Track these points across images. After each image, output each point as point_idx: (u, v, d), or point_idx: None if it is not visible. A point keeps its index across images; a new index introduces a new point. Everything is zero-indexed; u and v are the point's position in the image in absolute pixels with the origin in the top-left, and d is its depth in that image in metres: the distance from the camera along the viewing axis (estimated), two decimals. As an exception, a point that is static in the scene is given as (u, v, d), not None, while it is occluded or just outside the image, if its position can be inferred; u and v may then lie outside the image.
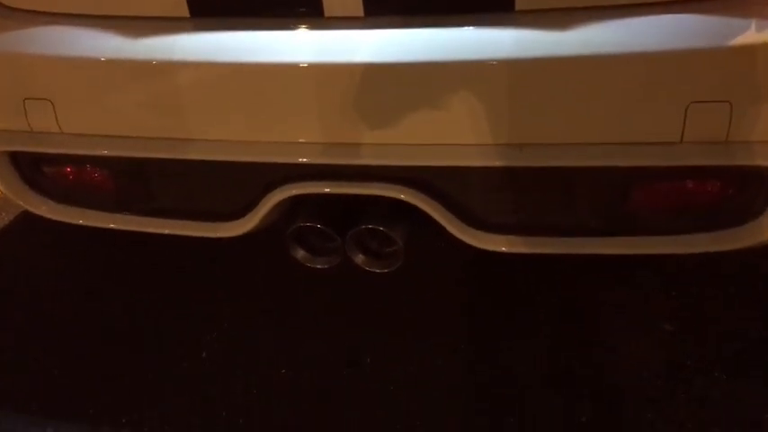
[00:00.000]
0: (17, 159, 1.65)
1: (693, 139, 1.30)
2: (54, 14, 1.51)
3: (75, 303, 2.06)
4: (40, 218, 1.73)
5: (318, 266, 1.65)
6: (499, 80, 1.32)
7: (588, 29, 1.29)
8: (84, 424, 1.69)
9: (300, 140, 1.44)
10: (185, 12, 1.44)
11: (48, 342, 1.93)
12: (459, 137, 1.38)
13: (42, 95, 1.50)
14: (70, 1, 1.51)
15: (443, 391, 1.68)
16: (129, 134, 1.52)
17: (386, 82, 1.36)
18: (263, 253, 2.09)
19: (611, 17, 1.29)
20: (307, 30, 1.40)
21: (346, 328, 1.88)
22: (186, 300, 2.03)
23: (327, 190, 1.49)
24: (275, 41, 1.40)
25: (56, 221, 1.73)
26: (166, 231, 1.66)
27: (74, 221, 1.71)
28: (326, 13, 1.39)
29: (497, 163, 1.38)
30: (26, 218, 2.35)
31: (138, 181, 1.63)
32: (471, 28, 1.34)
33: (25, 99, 1.52)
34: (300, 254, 1.64)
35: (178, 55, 1.42)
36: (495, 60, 1.30)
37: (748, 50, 1.24)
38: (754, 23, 1.24)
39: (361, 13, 1.38)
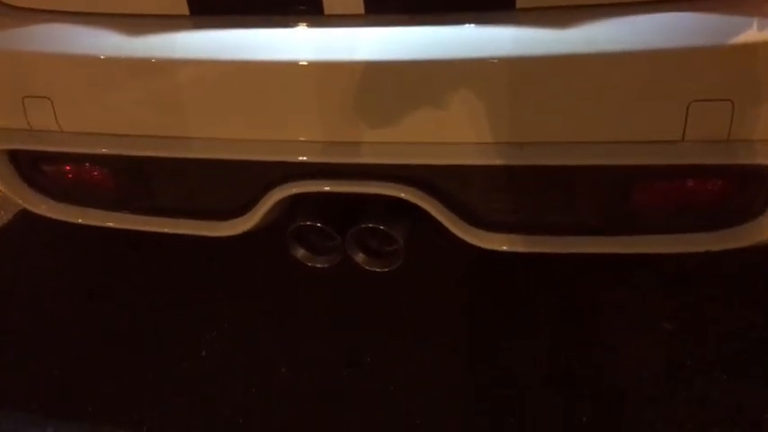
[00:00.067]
0: (16, 158, 1.65)
1: (695, 137, 1.29)
2: (53, 12, 1.51)
3: (75, 303, 2.06)
4: (40, 216, 1.73)
5: (318, 265, 1.64)
6: (500, 78, 1.32)
7: (589, 27, 1.29)
8: (84, 424, 1.69)
9: (300, 139, 1.44)
10: (185, 9, 1.44)
11: (48, 342, 1.93)
12: (459, 135, 1.37)
13: (42, 93, 1.50)
14: (70, -1, 1.51)
15: (443, 391, 1.68)
16: (128, 132, 1.51)
17: (386, 80, 1.36)
18: (263, 252, 2.09)
19: (612, 15, 1.29)
20: (307, 27, 1.40)
21: (346, 328, 1.88)
22: (186, 300, 2.03)
23: (327, 188, 1.49)
24: (275, 39, 1.40)
25: (55, 220, 1.72)
26: (166, 230, 1.66)
27: (73, 220, 1.71)
28: (327, 11, 1.38)
29: (498, 162, 1.38)
30: (25, 216, 2.34)
31: (138, 179, 1.63)
32: (472, 26, 1.34)
33: (24, 97, 1.51)
34: (300, 253, 1.63)
35: (178, 53, 1.42)
36: (496, 58, 1.30)
37: (750, 49, 1.23)
38: (755, 22, 1.24)
39: (361, 10, 1.37)
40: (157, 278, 2.12)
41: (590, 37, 1.29)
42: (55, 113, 1.51)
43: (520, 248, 1.51)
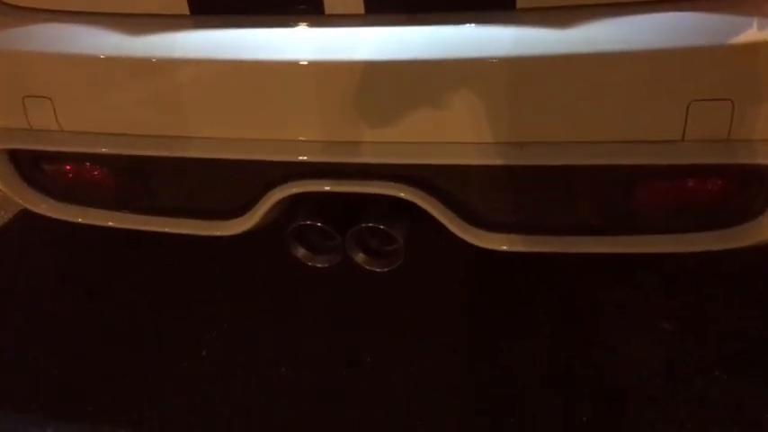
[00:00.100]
0: (17, 157, 1.65)
1: (695, 137, 1.29)
2: (53, 12, 1.51)
3: (75, 303, 2.06)
4: (40, 216, 1.73)
5: (318, 265, 1.64)
6: (500, 78, 1.32)
7: (589, 27, 1.29)
8: (84, 423, 1.69)
9: (300, 138, 1.44)
10: (185, 9, 1.44)
11: (48, 342, 1.93)
12: (459, 135, 1.37)
13: (42, 93, 1.50)
14: (70, -2, 1.51)
15: (443, 391, 1.68)
16: (128, 132, 1.51)
17: (386, 80, 1.36)
18: (263, 252, 2.09)
19: (612, 15, 1.29)
20: (307, 27, 1.40)
21: (346, 328, 1.88)
22: (186, 299, 2.03)
23: (328, 188, 1.49)
24: (275, 39, 1.40)
25: (55, 220, 1.72)
26: (166, 230, 1.66)
27: (73, 220, 1.71)
28: (327, 11, 1.38)
29: (498, 161, 1.38)
30: (26, 216, 2.35)
31: (138, 179, 1.63)
32: (472, 26, 1.34)
33: (25, 97, 1.51)
34: (301, 252, 1.63)
35: (178, 52, 1.42)
36: (496, 58, 1.30)
37: (750, 49, 1.23)
38: (755, 22, 1.24)
39: (361, 10, 1.37)
40: (157, 278, 2.12)
41: (590, 37, 1.29)
42: (55, 113, 1.51)
43: (520, 248, 1.51)
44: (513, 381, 1.69)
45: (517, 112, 1.34)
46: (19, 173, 1.67)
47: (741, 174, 1.37)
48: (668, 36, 1.26)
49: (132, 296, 2.06)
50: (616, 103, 1.31)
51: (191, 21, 1.45)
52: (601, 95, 1.30)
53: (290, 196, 1.51)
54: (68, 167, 1.67)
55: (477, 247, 1.51)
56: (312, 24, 1.40)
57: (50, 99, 1.50)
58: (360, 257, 1.60)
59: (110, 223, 1.70)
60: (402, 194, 1.46)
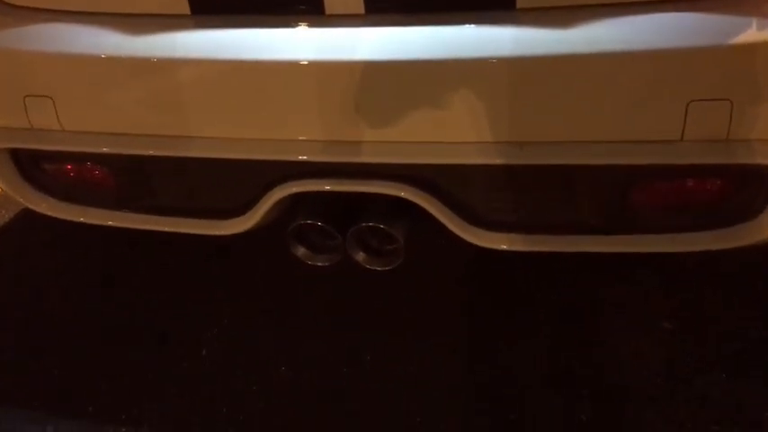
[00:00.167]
0: (18, 156, 1.66)
1: (694, 137, 1.30)
2: (55, 11, 1.51)
3: (75, 303, 2.06)
4: (41, 215, 1.73)
5: (319, 264, 1.64)
6: (500, 78, 1.32)
7: (588, 27, 1.30)
8: (85, 423, 1.69)
9: (301, 138, 1.44)
10: (186, 9, 1.44)
11: (48, 342, 1.93)
12: (459, 135, 1.38)
13: (43, 93, 1.51)
14: (71, -2, 1.51)
15: (443, 391, 1.68)
16: (129, 131, 1.52)
17: (387, 80, 1.36)
18: (263, 251, 2.09)
19: (611, 15, 1.30)
20: (307, 27, 1.40)
21: (346, 328, 1.88)
22: (186, 299, 2.03)
23: (328, 187, 1.49)
24: (276, 39, 1.40)
25: (56, 219, 1.73)
26: (167, 229, 1.66)
27: (74, 219, 1.71)
28: (327, 11, 1.39)
29: (498, 161, 1.38)
30: (26, 215, 2.35)
31: (139, 178, 1.63)
32: (472, 26, 1.35)
33: (26, 96, 1.52)
34: (301, 251, 1.64)
35: (179, 52, 1.42)
36: (496, 58, 1.31)
37: (749, 49, 1.23)
38: (754, 22, 1.24)
39: (361, 10, 1.38)
40: (157, 278, 2.12)
41: (589, 37, 1.29)
42: (56, 112, 1.51)
43: (519, 247, 1.51)
44: (513, 381, 1.69)
45: (517, 111, 1.34)
46: (20, 172, 1.67)
47: (740, 173, 1.37)
48: (667, 36, 1.26)
49: (132, 296, 2.06)
50: (615, 103, 1.31)
51: (191, 20, 1.45)
52: (600, 95, 1.31)
53: (290, 196, 1.51)
54: (69, 167, 1.67)
55: (477, 247, 1.51)
56: (312, 24, 1.40)
57: (51, 98, 1.51)
58: (360, 257, 1.61)
59: (110, 222, 1.70)
60: (402, 194, 1.46)
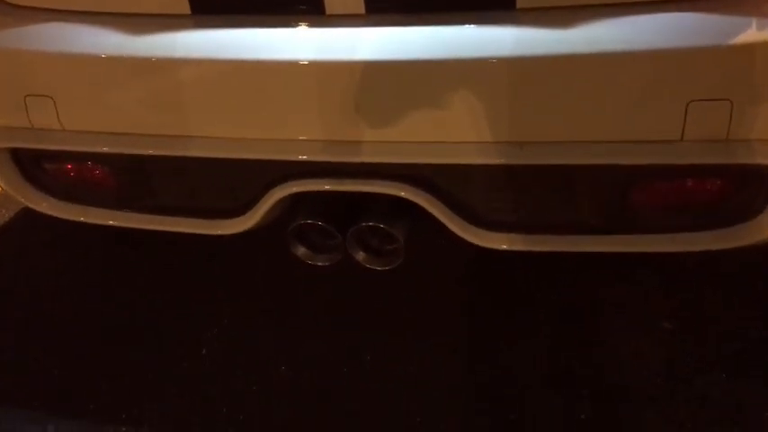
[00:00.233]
0: (18, 156, 1.66)
1: (694, 137, 1.30)
2: (55, 11, 1.51)
3: (75, 303, 2.06)
4: (41, 215, 1.73)
5: (319, 264, 1.65)
6: (500, 78, 1.32)
7: (588, 27, 1.30)
8: (85, 423, 1.69)
9: (301, 138, 1.44)
10: (186, 9, 1.44)
11: (48, 342, 1.93)
12: (459, 134, 1.38)
13: (44, 92, 1.51)
14: (71, -2, 1.52)
15: (443, 391, 1.68)
16: (130, 131, 1.52)
17: (387, 80, 1.36)
18: (264, 251, 2.09)
19: (611, 15, 1.30)
20: (308, 27, 1.41)
21: (346, 328, 1.88)
22: (186, 299, 2.03)
23: (328, 187, 1.49)
24: (276, 39, 1.41)
25: (56, 218, 1.73)
26: (167, 229, 1.66)
27: (75, 218, 1.71)
28: (328, 11, 1.39)
29: (498, 161, 1.38)
30: (27, 215, 2.35)
31: (140, 178, 1.63)
32: (472, 26, 1.35)
33: (26, 96, 1.52)
34: (301, 251, 1.64)
35: (179, 52, 1.42)
36: (496, 58, 1.31)
37: (749, 49, 1.24)
38: (754, 22, 1.24)
39: (362, 10, 1.38)
40: (157, 278, 2.12)
41: (590, 37, 1.29)
42: (57, 112, 1.51)
43: (519, 247, 1.51)
44: (513, 381, 1.69)
45: (517, 111, 1.34)
46: (21, 171, 1.67)
47: (740, 173, 1.37)
48: (667, 36, 1.26)
49: (132, 296, 2.06)
50: (615, 103, 1.31)
51: (192, 20, 1.46)
52: (600, 95, 1.31)
53: (290, 195, 1.51)
54: (70, 166, 1.68)
55: (477, 247, 1.51)
56: (313, 24, 1.41)
57: (52, 98, 1.51)
58: (360, 256, 1.61)
59: (111, 222, 1.70)
60: (403, 194, 1.46)
